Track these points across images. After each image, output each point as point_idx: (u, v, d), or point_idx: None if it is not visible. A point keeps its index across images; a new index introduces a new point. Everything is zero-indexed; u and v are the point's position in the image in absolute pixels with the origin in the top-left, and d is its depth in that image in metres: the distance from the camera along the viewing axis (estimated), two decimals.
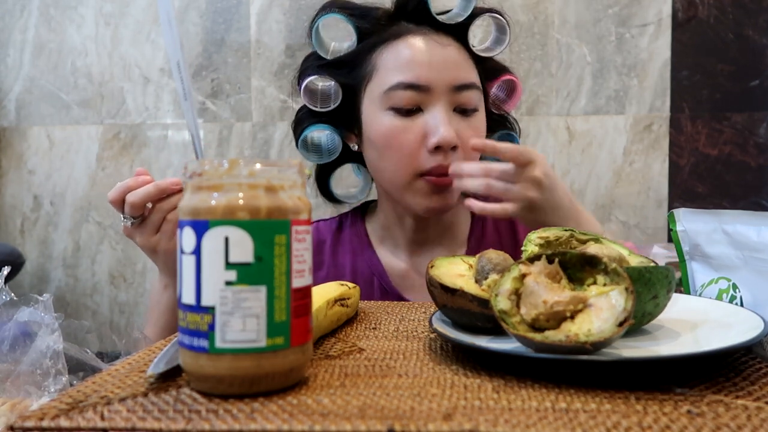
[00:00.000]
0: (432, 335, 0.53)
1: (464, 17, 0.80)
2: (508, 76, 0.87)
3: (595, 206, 1.80)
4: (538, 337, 0.40)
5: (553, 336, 0.39)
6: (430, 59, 0.77)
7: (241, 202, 0.37)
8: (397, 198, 0.83)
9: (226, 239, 0.37)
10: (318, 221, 0.95)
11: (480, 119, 0.81)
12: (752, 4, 1.76)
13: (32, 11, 1.95)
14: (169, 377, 0.41)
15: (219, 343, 0.37)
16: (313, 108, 0.83)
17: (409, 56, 0.78)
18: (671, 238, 0.65)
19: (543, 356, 0.40)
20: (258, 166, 0.38)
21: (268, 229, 0.37)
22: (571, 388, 0.38)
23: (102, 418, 0.34)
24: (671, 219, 0.64)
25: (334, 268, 0.90)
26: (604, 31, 1.79)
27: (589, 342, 0.38)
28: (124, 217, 0.71)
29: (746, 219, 0.57)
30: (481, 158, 0.84)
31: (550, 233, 0.56)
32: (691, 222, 0.62)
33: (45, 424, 0.34)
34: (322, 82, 0.84)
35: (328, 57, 0.83)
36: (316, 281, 0.86)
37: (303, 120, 0.87)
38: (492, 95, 0.88)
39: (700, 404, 0.35)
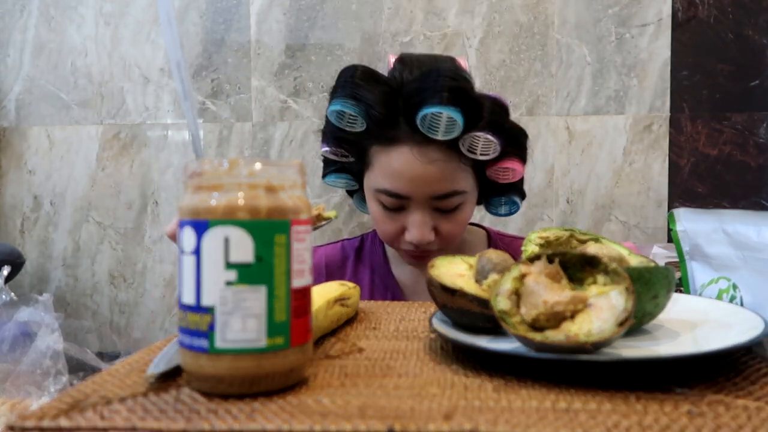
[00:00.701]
0: (432, 335, 0.53)
1: (454, 135, 0.79)
2: (505, 164, 0.86)
3: (595, 206, 1.80)
4: (538, 337, 0.40)
5: (553, 336, 0.39)
6: (412, 175, 0.81)
7: (241, 202, 0.37)
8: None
9: (226, 239, 0.37)
10: (343, 240, 1.04)
11: (464, 210, 0.87)
12: (752, 4, 1.75)
13: (32, 11, 1.95)
14: (169, 377, 0.41)
15: (219, 343, 0.37)
16: (341, 161, 0.90)
17: (394, 168, 0.82)
18: (671, 238, 0.65)
19: (543, 356, 0.40)
20: (258, 166, 0.38)
21: (268, 229, 0.37)
22: (571, 388, 0.38)
23: (102, 418, 0.34)
24: (671, 219, 0.64)
25: (355, 281, 0.97)
26: (604, 31, 1.79)
27: (589, 342, 0.38)
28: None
29: (746, 219, 0.56)
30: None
31: (550, 233, 0.56)
32: (691, 222, 0.62)
33: (45, 424, 0.34)
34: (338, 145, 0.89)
35: (344, 127, 0.86)
36: None
37: (326, 171, 0.94)
38: (489, 174, 0.88)
39: (700, 404, 0.35)
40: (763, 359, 0.44)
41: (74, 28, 1.94)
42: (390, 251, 1.00)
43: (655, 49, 1.78)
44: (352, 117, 0.83)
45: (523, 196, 0.95)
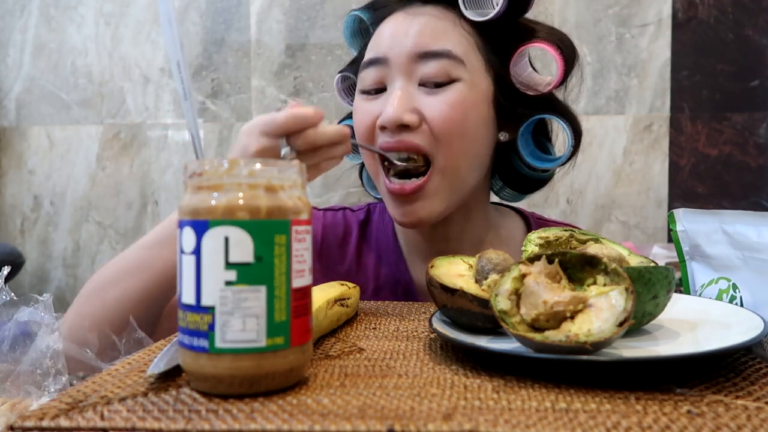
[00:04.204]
0: (432, 335, 0.53)
1: None
2: (534, 44, 0.71)
3: (595, 206, 1.80)
4: (538, 337, 0.40)
5: (553, 336, 0.39)
6: (393, 31, 0.70)
7: (241, 202, 0.37)
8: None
9: (226, 239, 0.37)
10: (345, 209, 0.87)
11: (459, 91, 0.69)
12: (752, 4, 1.76)
13: (32, 11, 1.95)
14: (169, 377, 0.41)
15: (219, 343, 0.37)
16: (347, 104, 0.82)
17: (380, 34, 0.72)
18: (671, 238, 0.65)
19: (543, 356, 0.40)
20: (258, 166, 0.38)
21: (268, 229, 0.37)
22: (571, 388, 0.38)
23: (102, 418, 0.34)
24: (671, 219, 0.64)
25: (357, 266, 0.82)
26: (604, 31, 1.79)
27: (589, 342, 0.38)
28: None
29: (746, 219, 0.56)
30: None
31: (550, 233, 0.56)
32: (691, 222, 0.62)
33: (45, 424, 0.34)
34: (350, 80, 0.82)
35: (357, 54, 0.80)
36: (338, 275, 0.80)
37: (344, 120, 0.85)
38: (515, 73, 0.73)
39: (700, 404, 0.35)
40: (763, 359, 0.44)
41: (74, 28, 1.94)
42: (401, 233, 0.82)
43: (655, 49, 1.79)
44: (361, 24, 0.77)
45: (569, 120, 0.73)
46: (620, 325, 0.39)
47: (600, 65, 1.79)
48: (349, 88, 0.82)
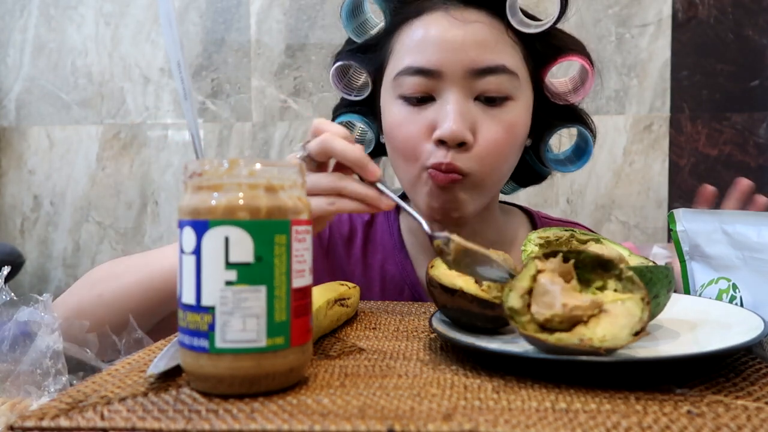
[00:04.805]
0: (432, 335, 0.53)
1: None
2: (570, 57, 0.73)
3: (595, 206, 1.80)
4: (551, 339, 0.39)
5: (567, 339, 0.39)
6: (443, 38, 0.66)
7: (241, 202, 0.37)
8: (411, 198, 0.74)
9: (226, 239, 0.37)
10: None
11: (514, 112, 0.69)
12: (752, 4, 1.75)
13: (32, 11, 1.95)
14: (170, 377, 0.41)
15: (219, 343, 0.37)
16: (345, 95, 0.77)
17: (421, 36, 0.68)
18: (671, 238, 0.65)
19: (543, 356, 0.40)
20: (258, 166, 0.38)
21: (268, 229, 0.37)
22: (571, 388, 0.38)
23: (102, 418, 0.34)
24: (671, 219, 0.64)
25: (363, 266, 0.82)
26: (604, 31, 1.79)
27: (603, 348, 0.38)
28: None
29: (746, 219, 0.56)
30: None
31: (550, 233, 0.56)
32: (691, 222, 0.62)
33: (45, 424, 0.34)
34: (352, 69, 0.77)
35: (359, 41, 0.75)
36: (345, 275, 0.80)
37: (337, 109, 0.81)
38: (549, 83, 0.74)
39: (700, 404, 0.35)
40: (763, 359, 0.44)
41: (74, 28, 1.94)
42: (408, 231, 0.81)
43: (655, 49, 1.78)
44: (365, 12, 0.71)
45: (591, 129, 0.76)
46: (636, 334, 0.39)
47: (600, 65, 1.78)
48: (343, 74, 0.77)
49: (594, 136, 0.77)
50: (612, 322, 0.39)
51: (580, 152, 0.79)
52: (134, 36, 1.93)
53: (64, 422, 0.34)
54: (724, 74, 1.77)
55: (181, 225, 0.38)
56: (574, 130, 0.79)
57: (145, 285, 0.62)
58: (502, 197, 0.89)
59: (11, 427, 0.34)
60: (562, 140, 0.81)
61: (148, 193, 1.95)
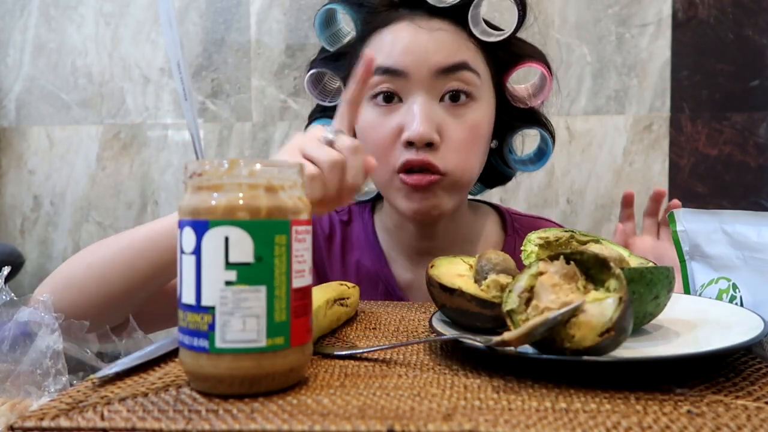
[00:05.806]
0: (432, 335, 0.53)
1: None
2: (530, 64, 0.77)
3: (595, 206, 1.80)
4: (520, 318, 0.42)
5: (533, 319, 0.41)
6: (410, 43, 0.71)
7: (241, 202, 0.37)
8: (387, 200, 0.78)
9: (226, 239, 0.37)
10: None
11: (477, 112, 0.73)
12: (752, 4, 1.75)
13: (32, 11, 1.95)
14: (114, 381, 0.41)
15: (219, 343, 0.37)
16: (320, 101, 0.80)
17: (389, 42, 0.72)
18: (671, 238, 0.65)
19: (543, 356, 0.40)
20: (258, 166, 0.38)
21: (268, 229, 0.37)
22: (571, 388, 0.38)
23: (102, 418, 0.34)
24: (671, 219, 0.64)
25: (342, 266, 0.86)
26: (604, 31, 1.79)
27: (569, 349, 0.38)
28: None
29: (746, 219, 0.56)
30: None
31: (550, 233, 0.56)
32: (691, 222, 0.62)
33: (45, 424, 0.34)
34: (327, 76, 0.80)
35: (331, 50, 0.79)
36: (327, 272, 0.84)
37: (312, 114, 0.86)
38: (509, 87, 0.79)
39: (700, 404, 0.35)
40: (763, 359, 0.44)
41: (74, 28, 1.94)
42: (382, 230, 0.85)
43: (655, 49, 1.78)
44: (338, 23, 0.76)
45: (550, 132, 0.82)
46: (600, 335, 0.38)
47: (600, 65, 1.79)
48: (317, 81, 0.80)
49: (553, 137, 0.83)
50: (586, 323, 0.39)
51: (541, 153, 0.84)
52: (134, 36, 1.93)
53: (64, 422, 0.34)
54: (724, 74, 1.77)
55: (181, 225, 0.38)
56: (538, 135, 0.84)
57: (133, 251, 0.61)
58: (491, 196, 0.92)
59: (11, 427, 0.34)
60: (526, 143, 0.88)
61: (148, 193, 1.95)
